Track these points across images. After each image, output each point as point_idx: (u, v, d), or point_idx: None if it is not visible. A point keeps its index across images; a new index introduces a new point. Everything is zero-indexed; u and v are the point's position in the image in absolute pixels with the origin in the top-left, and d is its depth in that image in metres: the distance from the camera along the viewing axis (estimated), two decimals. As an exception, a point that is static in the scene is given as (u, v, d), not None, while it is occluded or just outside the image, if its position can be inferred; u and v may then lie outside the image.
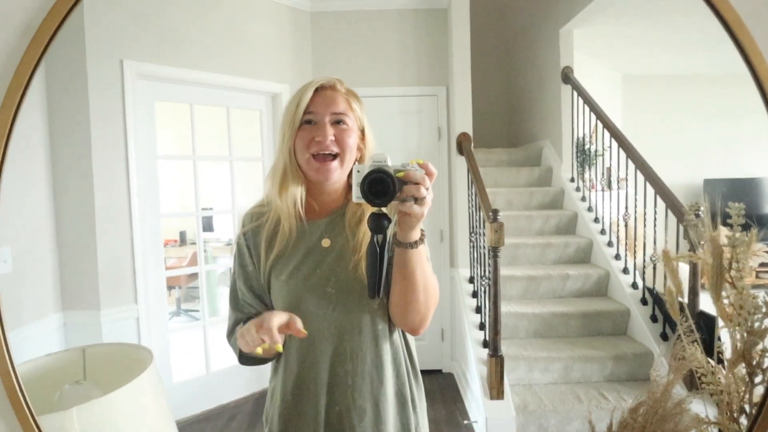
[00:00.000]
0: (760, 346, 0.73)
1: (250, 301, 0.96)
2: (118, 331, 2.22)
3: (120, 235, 2.21)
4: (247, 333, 0.81)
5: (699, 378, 0.78)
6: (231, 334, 0.97)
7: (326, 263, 0.92)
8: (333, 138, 0.90)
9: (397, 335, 0.95)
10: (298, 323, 0.82)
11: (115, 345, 1.15)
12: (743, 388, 0.74)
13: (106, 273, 2.18)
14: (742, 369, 0.73)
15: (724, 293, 0.74)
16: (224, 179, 2.58)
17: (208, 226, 3.29)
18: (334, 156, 0.90)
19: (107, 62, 2.08)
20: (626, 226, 2.70)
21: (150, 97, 2.22)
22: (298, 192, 0.93)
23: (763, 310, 0.72)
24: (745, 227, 0.76)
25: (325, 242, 0.94)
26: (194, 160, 2.42)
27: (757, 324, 0.72)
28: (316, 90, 0.90)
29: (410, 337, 0.98)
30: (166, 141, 2.43)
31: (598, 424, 0.88)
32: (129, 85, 2.11)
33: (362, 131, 0.95)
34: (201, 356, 2.60)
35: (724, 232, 0.76)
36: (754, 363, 0.73)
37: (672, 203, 2.32)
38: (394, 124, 2.90)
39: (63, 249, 2.15)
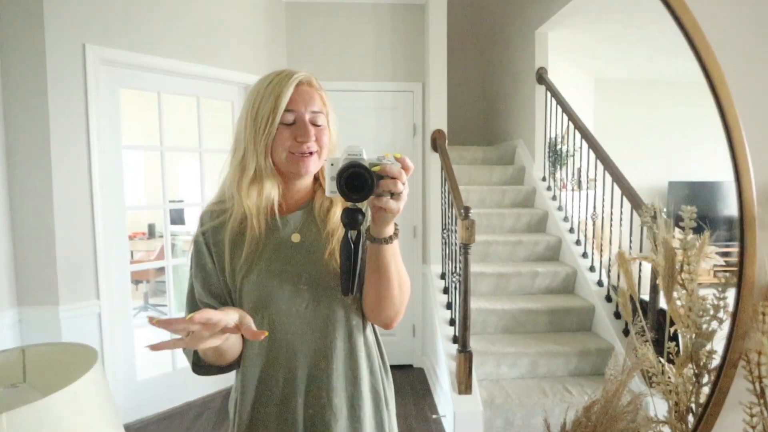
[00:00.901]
0: (707, 347, 0.75)
1: (207, 301, 0.91)
2: (78, 327, 2.14)
3: (81, 227, 2.11)
4: (176, 321, 0.68)
5: (650, 377, 0.80)
6: None
7: (297, 259, 0.89)
8: (314, 138, 0.87)
9: (369, 331, 0.93)
10: (251, 323, 0.75)
11: (58, 344, 1.07)
12: (690, 388, 0.76)
13: (66, 267, 2.09)
14: (691, 369, 0.75)
15: (675, 294, 0.76)
16: (194, 171, 2.50)
17: (179, 218, 3.19)
18: (312, 152, 0.87)
19: (68, 46, 1.98)
20: (594, 225, 2.76)
21: (114, 84, 2.12)
22: (274, 192, 0.89)
23: (711, 312, 0.73)
24: (700, 230, 0.78)
25: (295, 237, 0.90)
26: (162, 150, 2.34)
27: (704, 326, 0.74)
28: (296, 85, 0.86)
29: (379, 334, 0.97)
30: (132, 131, 2.34)
31: (560, 418, 0.89)
32: (91, 70, 2.02)
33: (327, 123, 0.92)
34: (167, 353, 2.54)
35: (678, 234, 0.78)
36: (701, 364, 0.75)
37: (637, 204, 2.39)
38: (368, 120, 2.87)
39: (18, 242, 2.05)
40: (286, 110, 0.84)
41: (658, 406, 0.82)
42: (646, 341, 0.84)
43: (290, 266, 0.87)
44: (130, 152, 2.31)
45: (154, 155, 2.40)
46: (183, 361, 2.53)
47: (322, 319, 0.88)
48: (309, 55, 2.77)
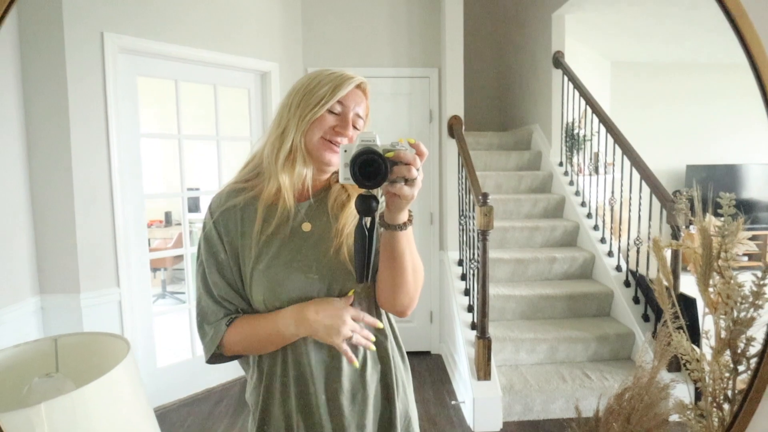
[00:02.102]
0: (745, 335, 0.74)
1: (225, 295, 0.90)
2: (99, 315, 2.16)
3: (101, 215, 2.13)
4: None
5: (684, 364, 0.78)
6: (203, 326, 0.90)
7: (307, 248, 0.89)
8: (351, 134, 0.88)
9: (383, 318, 0.94)
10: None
11: (90, 334, 1.07)
12: (727, 375, 0.75)
13: (86, 255, 2.11)
14: (726, 356, 0.74)
15: (711, 282, 0.75)
16: (211, 159, 2.50)
17: (194, 206, 3.20)
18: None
19: (86, 34, 1.98)
20: (612, 210, 2.73)
21: (132, 72, 2.12)
22: (307, 172, 0.90)
23: (750, 299, 0.72)
24: (732, 216, 0.77)
25: (306, 226, 0.90)
26: (179, 138, 2.34)
27: (743, 314, 0.73)
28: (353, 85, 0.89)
29: (394, 321, 0.97)
30: (150, 119, 2.34)
31: (582, 402, 0.88)
32: (110, 58, 2.01)
33: None
34: (187, 340, 2.56)
35: (713, 221, 0.76)
36: (739, 351, 0.74)
37: (656, 188, 2.35)
38: (385, 106, 2.85)
39: (40, 230, 2.06)
40: (338, 101, 0.86)
41: (688, 394, 0.81)
42: (679, 327, 0.82)
43: (300, 255, 0.87)
44: (148, 140, 2.31)
45: (172, 143, 2.40)
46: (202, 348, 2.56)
47: None
48: (325, 42, 2.75)
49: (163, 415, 2.36)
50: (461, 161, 2.61)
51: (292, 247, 0.87)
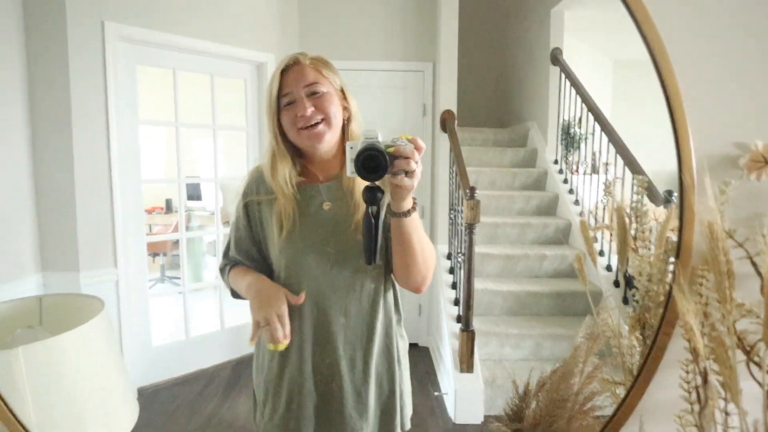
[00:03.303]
0: (649, 312, 0.77)
1: (236, 255, 1.06)
2: (97, 293, 2.22)
3: (100, 199, 2.22)
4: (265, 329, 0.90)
5: (609, 340, 0.83)
6: (222, 269, 1.10)
7: (327, 225, 0.98)
8: (313, 108, 0.95)
9: (390, 297, 1.02)
10: (293, 298, 0.93)
11: (70, 295, 1.21)
12: (639, 349, 0.79)
13: (86, 236, 2.20)
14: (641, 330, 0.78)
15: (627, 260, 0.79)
16: (208, 148, 2.58)
17: (196, 194, 3.30)
18: (320, 122, 0.94)
19: (88, 23, 2.07)
20: (604, 209, 2.72)
21: (131, 60, 2.20)
22: (286, 170, 0.99)
23: (657, 276, 0.75)
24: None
25: (326, 205, 1.01)
26: (176, 126, 2.42)
27: (653, 288, 0.76)
28: (283, 71, 0.95)
29: (400, 300, 1.05)
30: (148, 106, 2.42)
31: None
32: (110, 47, 2.10)
33: (342, 92, 1.00)
34: (181, 321, 2.65)
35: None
36: (648, 325, 0.78)
37: (648, 190, 2.35)
38: (379, 100, 2.89)
39: (42, 210, 2.17)
40: (282, 95, 0.93)
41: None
42: (611, 308, 0.87)
43: (321, 230, 0.97)
44: (147, 127, 2.40)
45: (170, 131, 2.49)
46: (196, 330, 2.65)
47: (345, 281, 0.97)
48: (320, 35, 2.80)
49: (155, 392, 2.45)
50: (452, 156, 2.64)
51: (313, 224, 0.97)
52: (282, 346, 0.91)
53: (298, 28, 2.83)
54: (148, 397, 2.40)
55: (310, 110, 0.94)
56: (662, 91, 0.75)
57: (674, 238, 0.87)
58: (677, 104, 0.74)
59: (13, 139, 2.03)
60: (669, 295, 0.75)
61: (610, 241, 2.79)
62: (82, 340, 0.98)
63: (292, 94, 0.95)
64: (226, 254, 1.11)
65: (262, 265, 1.05)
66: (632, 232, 0.88)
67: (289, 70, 0.97)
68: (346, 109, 1.01)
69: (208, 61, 2.43)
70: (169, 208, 3.70)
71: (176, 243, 3.04)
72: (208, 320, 2.68)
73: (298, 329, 1.00)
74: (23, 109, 2.05)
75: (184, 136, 2.47)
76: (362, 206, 0.94)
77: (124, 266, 2.31)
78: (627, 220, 0.81)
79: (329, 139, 0.97)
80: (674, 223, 0.86)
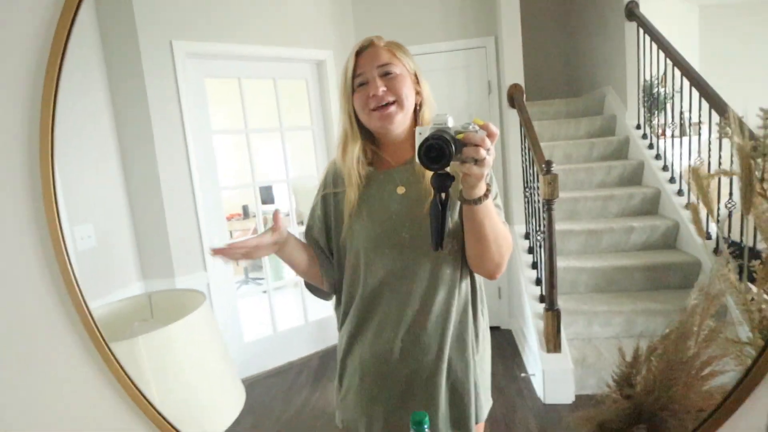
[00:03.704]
0: None
1: (312, 235, 1.12)
2: (192, 296, 2.42)
3: (185, 208, 2.37)
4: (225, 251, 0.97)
5: (731, 297, 0.75)
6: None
7: (401, 209, 0.98)
8: (385, 89, 0.95)
9: (466, 283, 1.01)
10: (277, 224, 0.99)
11: (175, 291, 1.37)
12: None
13: (177, 244, 2.37)
14: None
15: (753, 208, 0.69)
16: (278, 151, 2.66)
17: (269, 197, 3.44)
18: (391, 103, 0.95)
19: (158, 44, 2.19)
20: (699, 173, 2.48)
21: (200, 74, 2.31)
22: (356, 152, 1.00)
23: None
24: None
25: (401, 189, 1.01)
26: (246, 133, 2.52)
27: None
28: (358, 53, 0.96)
29: (479, 287, 1.03)
30: (218, 116, 2.54)
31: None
32: (179, 64, 2.21)
33: (415, 76, 1.00)
34: (268, 318, 2.78)
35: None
36: None
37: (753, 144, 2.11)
38: (442, 81, 2.82)
39: (138, 224, 2.36)
40: (356, 75, 0.94)
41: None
42: (728, 262, 0.78)
43: (394, 215, 0.97)
44: (220, 136, 2.52)
45: (240, 138, 2.59)
46: (283, 325, 2.77)
47: (419, 266, 0.97)
48: (376, 24, 2.77)
49: (251, 385, 2.61)
50: (523, 132, 2.52)
51: (388, 208, 0.97)
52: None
53: (353, 20, 2.83)
54: (246, 389, 2.56)
55: (381, 89, 0.94)
56: None
57: None
58: None
59: (106, 161, 2.22)
60: None
61: (707, 207, 2.56)
62: (190, 329, 1.11)
63: (365, 75, 0.96)
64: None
65: (325, 257, 1.08)
66: (758, 173, 0.78)
67: (363, 51, 0.98)
68: (418, 93, 0.99)
69: (269, 65, 2.50)
70: (246, 213, 3.91)
71: (257, 244, 3.19)
72: (292, 315, 2.80)
73: (372, 311, 1.01)
74: (111, 130, 2.22)
75: (253, 141, 2.57)
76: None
77: (212, 270, 2.45)
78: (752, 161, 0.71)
79: (400, 121, 0.96)
80: None
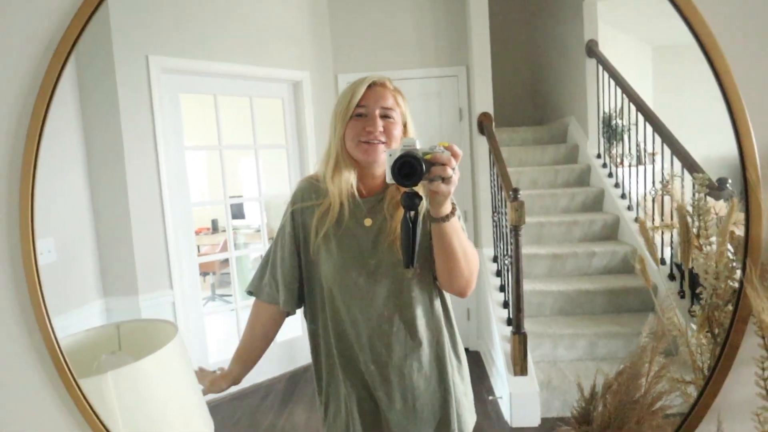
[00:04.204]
0: (723, 308, 0.75)
1: (276, 275, 1.09)
2: (156, 314, 2.34)
3: (153, 224, 2.32)
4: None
5: (676, 339, 0.81)
6: (254, 282, 1.12)
7: (368, 240, 1.00)
8: (381, 129, 0.99)
9: (438, 303, 1.03)
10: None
11: (145, 320, 1.32)
12: (711, 348, 0.76)
13: (143, 261, 2.30)
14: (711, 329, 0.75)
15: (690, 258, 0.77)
16: (251, 168, 2.65)
17: (239, 213, 3.39)
18: (382, 142, 0.98)
19: (133, 59, 2.17)
20: (653, 201, 2.63)
21: (174, 89, 2.29)
22: (351, 175, 1.03)
23: (725, 273, 0.73)
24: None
25: (368, 221, 1.04)
26: (220, 149, 2.50)
27: (721, 286, 0.74)
28: (369, 86, 0.99)
29: (450, 308, 1.06)
30: (192, 132, 2.52)
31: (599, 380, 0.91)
32: (155, 79, 2.19)
33: (404, 125, 1.04)
34: (234, 338, 2.71)
35: (710, 203, 0.78)
36: (719, 323, 0.75)
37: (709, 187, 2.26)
38: (415, 107, 2.88)
39: (102, 239, 2.28)
40: (359, 105, 0.97)
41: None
42: (673, 306, 0.84)
43: (360, 245, 0.99)
44: (192, 152, 2.49)
45: (214, 154, 2.57)
46: (250, 346, 2.71)
47: (385, 291, 0.99)
48: (353, 48, 2.83)
49: (215, 408, 2.50)
50: (492, 158, 2.61)
51: (354, 237, 0.99)
52: None
53: (330, 43, 2.88)
54: (210, 411, 2.47)
55: (379, 129, 0.98)
56: (719, 87, 0.72)
57: (737, 231, 0.83)
58: (735, 101, 0.71)
59: (72, 172, 2.15)
60: (740, 292, 0.72)
61: (662, 234, 2.70)
62: (162, 364, 1.06)
63: (368, 108, 0.99)
64: (257, 277, 1.15)
65: (292, 295, 1.08)
66: (694, 230, 0.85)
67: (373, 86, 1.01)
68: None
69: (246, 84, 2.50)
70: (215, 228, 3.84)
71: (224, 262, 3.14)
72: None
73: (348, 341, 1.02)
74: (79, 142, 2.16)
75: (227, 158, 2.55)
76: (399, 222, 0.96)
77: (179, 287, 2.39)
78: (689, 218, 0.79)
79: (382, 160, 1.00)
80: (736, 216, 0.83)
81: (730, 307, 0.80)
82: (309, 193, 1.09)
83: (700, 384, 0.83)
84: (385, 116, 1.00)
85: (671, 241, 2.56)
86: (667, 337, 0.89)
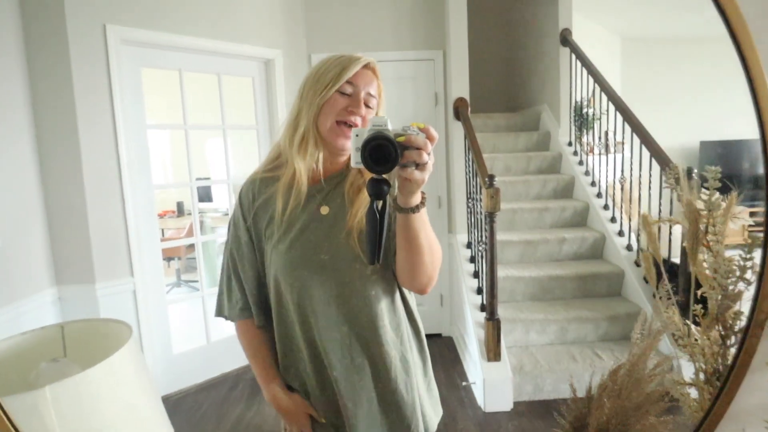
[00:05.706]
0: (733, 309, 0.73)
1: (244, 275, 0.98)
2: (114, 304, 2.20)
3: (112, 207, 2.16)
4: None
5: (676, 340, 0.78)
6: (221, 299, 1.01)
7: (321, 230, 0.91)
8: (363, 115, 0.90)
9: (398, 302, 0.95)
10: (317, 415, 0.96)
11: (94, 321, 1.10)
12: (717, 350, 0.74)
13: (100, 246, 2.14)
14: (717, 331, 0.73)
15: (702, 257, 0.74)
16: (218, 149, 2.52)
17: (206, 196, 3.23)
18: (356, 125, 0.89)
19: (88, 27, 1.99)
20: (622, 189, 2.70)
21: (136, 63, 2.13)
22: (317, 154, 0.93)
23: (737, 273, 0.71)
24: (728, 190, 0.75)
25: (324, 209, 0.93)
26: (186, 129, 2.36)
27: (731, 287, 0.72)
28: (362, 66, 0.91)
29: (412, 305, 0.99)
30: (156, 110, 2.36)
31: (595, 380, 0.89)
32: (113, 50, 2.03)
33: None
34: (201, 327, 2.61)
35: (704, 195, 0.75)
36: (728, 326, 0.73)
37: (666, 166, 2.33)
38: (390, 90, 2.82)
39: (53, 223, 2.11)
40: (347, 82, 0.87)
41: (685, 369, 0.81)
42: (672, 304, 0.82)
43: (314, 237, 0.90)
44: (155, 131, 2.34)
45: (179, 134, 2.43)
46: (217, 335, 2.61)
47: (342, 288, 0.90)
48: (327, 27, 2.73)
49: (180, 400, 2.42)
50: (467, 144, 2.59)
51: (308, 229, 0.90)
52: None
53: (304, 22, 2.77)
54: (172, 405, 2.37)
55: (362, 112, 0.89)
56: (744, 71, 0.69)
57: (732, 226, 0.82)
58: (761, 86, 0.68)
59: (17, 149, 1.97)
60: (757, 295, 0.70)
61: (629, 220, 2.76)
62: (113, 372, 0.87)
63: (356, 89, 0.89)
64: (224, 291, 1.01)
65: (260, 307, 0.98)
66: (702, 226, 0.82)
67: (366, 68, 0.92)
68: None
69: (214, 60, 2.36)
70: (180, 210, 3.65)
71: (190, 246, 3.00)
72: (227, 324, 2.64)
73: (302, 341, 0.95)
74: (27, 116, 1.98)
75: (193, 138, 2.41)
76: (362, 209, 0.88)
77: (140, 274, 2.26)
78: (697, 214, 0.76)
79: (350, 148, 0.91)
80: (735, 209, 0.81)
81: (739, 308, 0.77)
82: (254, 186, 0.97)
83: (700, 385, 0.81)
84: (366, 103, 0.92)
85: (638, 229, 2.64)
86: (660, 335, 0.86)
